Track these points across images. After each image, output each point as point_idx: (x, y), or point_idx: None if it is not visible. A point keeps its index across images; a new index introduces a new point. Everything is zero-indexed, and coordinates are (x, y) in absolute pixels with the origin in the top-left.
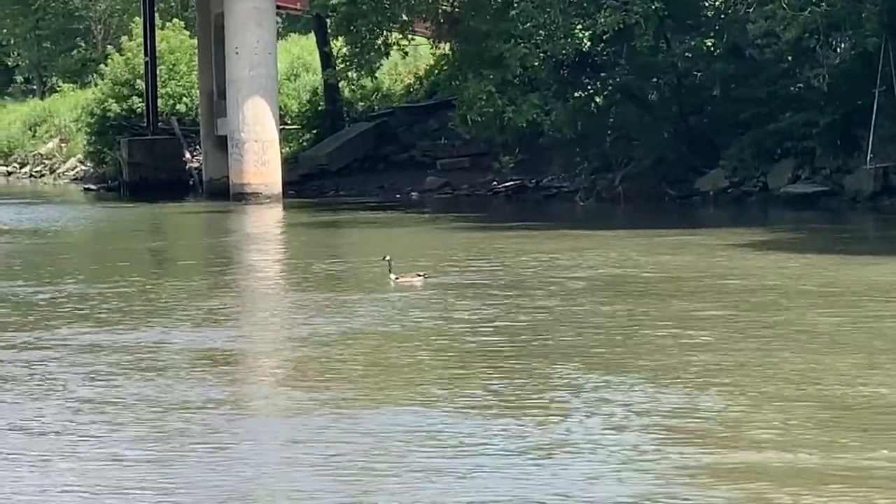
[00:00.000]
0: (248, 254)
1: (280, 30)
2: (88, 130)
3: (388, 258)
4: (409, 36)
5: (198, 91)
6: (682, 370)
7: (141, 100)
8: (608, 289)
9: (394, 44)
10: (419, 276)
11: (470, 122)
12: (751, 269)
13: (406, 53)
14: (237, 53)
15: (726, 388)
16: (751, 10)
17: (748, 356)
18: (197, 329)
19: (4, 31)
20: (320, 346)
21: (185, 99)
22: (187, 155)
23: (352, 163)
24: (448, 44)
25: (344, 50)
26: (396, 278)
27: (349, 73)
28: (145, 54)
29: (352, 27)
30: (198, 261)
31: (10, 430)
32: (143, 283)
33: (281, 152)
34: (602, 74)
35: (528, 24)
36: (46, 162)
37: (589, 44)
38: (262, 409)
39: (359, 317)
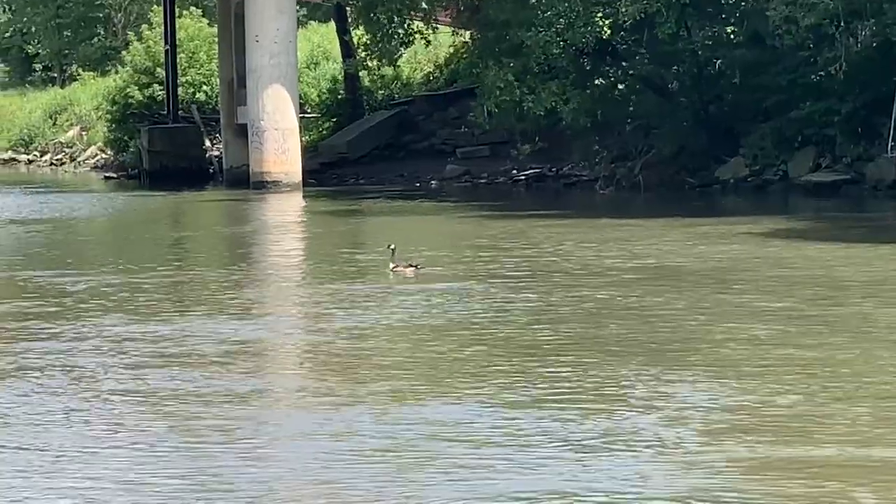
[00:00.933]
0: (273, 244)
1: (300, 18)
2: (109, 118)
3: (391, 247)
4: (431, 24)
5: (218, 79)
6: (745, 364)
7: (161, 88)
8: (657, 279)
9: (415, 32)
10: (411, 266)
11: (489, 111)
12: (794, 259)
13: (428, 42)
14: (257, 41)
15: (793, 382)
16: None
17: (813, 350)
18: (233, 320)
19: (25, 19)
20: (368, 338)
21: (205, 87)
22: (207, 143)
23: (372, 151)
24: (468, 32)
25: (365, 38)
26: (394, 267)
27: (370, 63)
28: (165, 42)
29: (372, 15)
30: (224, 251)
31: (58, 422)
32: (174, 274)
33: (301, 141)
34: (622, 63)
35: (549, 13)
36: (67, 150)
37: (609, 32)
38: (310, 402)
39: (405, 308)
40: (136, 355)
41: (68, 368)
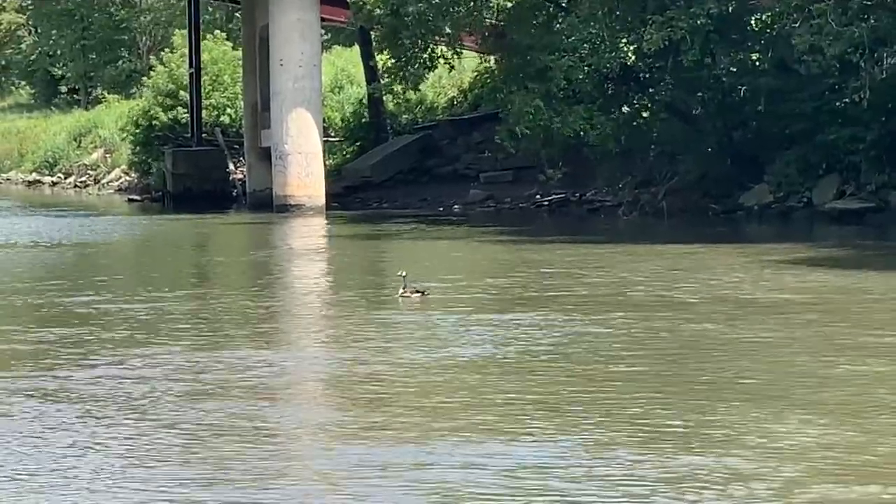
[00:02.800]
0: (302, 270)
1: (324, 42)
2: (133, 141)
3: (402, 273)
4: (456, 49)
5: (242, 102)
6: (858, 405)
7: (185, 111)
8: (730, 309)
9: (439, 56)
10: (418, 292)
11: (518, 136)
12: (872, 289)
13: (452, 67)
14: (282, 65)
15: None
16: (797, 25)
17: None
18: (276, 350)
19: (51, 41)
20: (426, 371)
21: (228, 110)
22: (231, 166)
23: (395, 175)
24: (492, 57)
25: (389, 63)
26: (402, 293)
27: (394, 87)
28: (190, 65)
29: (397, 40)
30: (252, 277)
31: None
32: (204, 302)
33: (324, 164)
34: (647, 89)
35: (573, 38)
36: (91, 172)
37: (634, 58)
38: (373, 436)
39: (476, 340)
40: (194, 385)
41: (133, 398)
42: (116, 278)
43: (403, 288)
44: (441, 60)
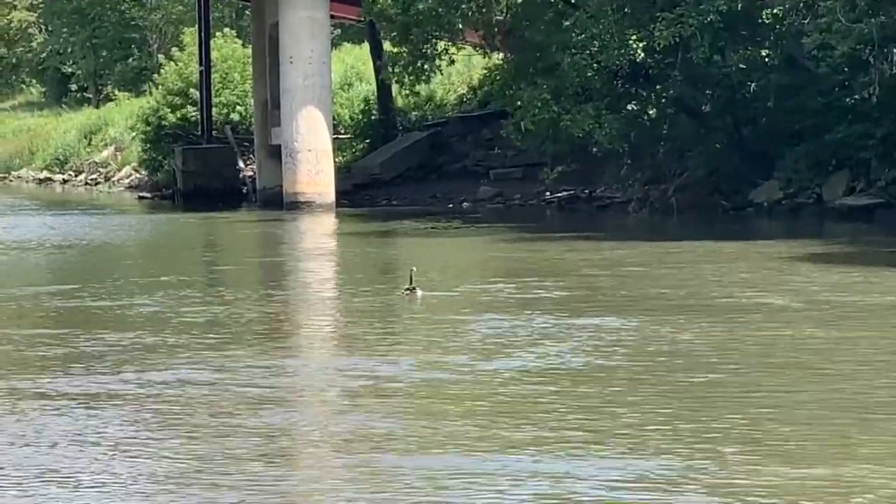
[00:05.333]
0: (317, 270)
1: (334, 39)
2: (143, 139)
3: (412, 269)
4: (463, 46)
5: (252, 100)
6: None
7: (195, 109)
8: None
9: (448, 53)
10: (409, 290)
11: (524, 130)
12: None
13: (453, 61)
14: (291, 63)
15: None
16: (806, 22)
17: None
18: (315, 355)
19: (61, 39)
20: (511, 380)
21: (238, 108)
22: (241, 164)
23: (405, 172)
24: (501, 54)
25: (399, 58)
26: (406, 290)
27: (404, 79)
28: (200, 63)
29: (407, 36)
30: (271, 278)
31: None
32: (221, 304)
33: (334, 161)
34: (656, 86)
35: (583, 35)
36: (101, 170)
37: (643, 55)
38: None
39: (555, 346)
40: (245, 391)
41: (191, 405)
42: (143, 279)
43: (406, 286)
44: (450, 57)
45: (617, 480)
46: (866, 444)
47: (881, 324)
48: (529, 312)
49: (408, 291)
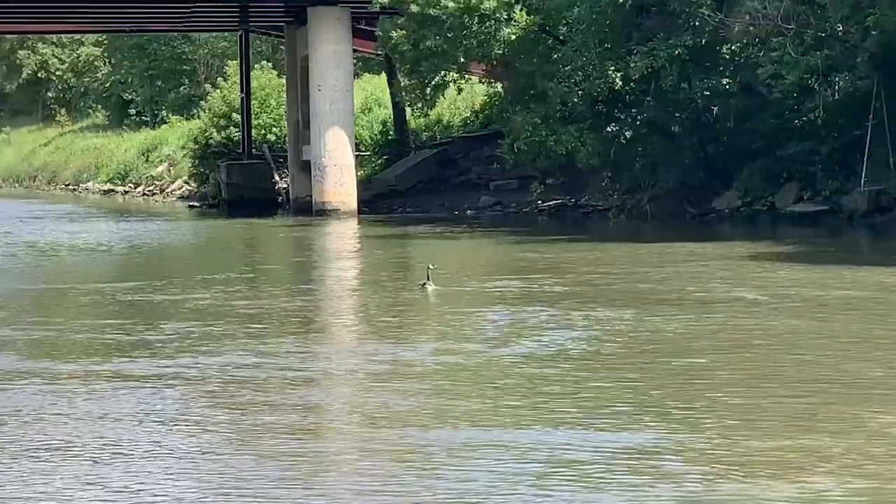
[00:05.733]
0: (347, 267)
1: (356, 70)
2: (192, 156)
3: (431, 266)
4: (466, 76)
5: (285, 122)
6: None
7: (237, 130)
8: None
9: (451, 81)
10: (424, 284)
11: (516, 150)
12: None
13: (460, 90)
14: (319, 90)
15: None
16: (760, 55)
17: None
18: (375, 343)
19: (123, 71)
20: (537, 362)
21: (274, 129)
22: (276, 177)
23: (417, 184)
24: (499, 82)
25: (411, 84)
26: (421, 284)
27: (415, 106)
28: (241, 91)
29: (417, 68)
30: (307, 274)
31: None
32: (282, 298)
33: (356, 175)
34: (632, 110)
35: (569, 66)
36: (156, 183)
37: (620, 83)
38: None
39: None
40: (308, 373)
41: (268, 385)
42: (196, 277)
43: (428, 280)
44: (454, 85)
45: (609, 450)
46: (828, 419)
47: (841, 314)
48: (533, 305)
49: (422, 285)
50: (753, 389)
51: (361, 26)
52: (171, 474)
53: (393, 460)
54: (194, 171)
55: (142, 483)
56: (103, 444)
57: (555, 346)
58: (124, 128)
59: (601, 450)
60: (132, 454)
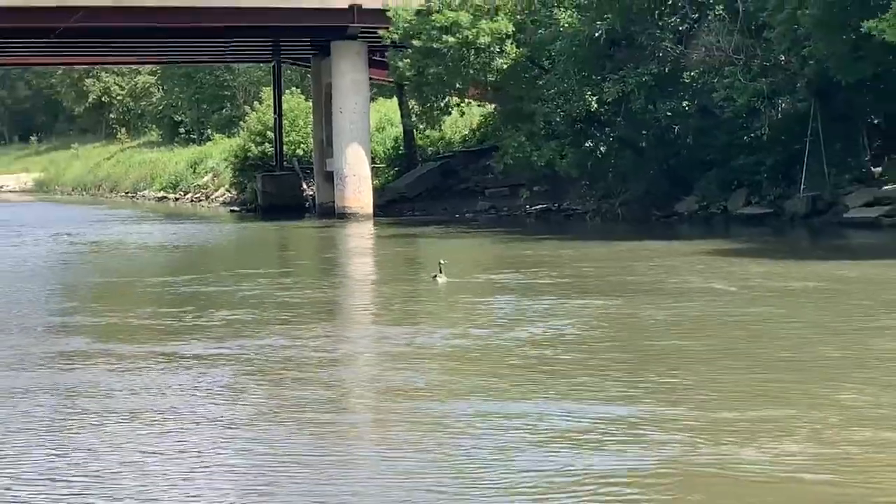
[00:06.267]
0: (366, 262)
1: (372, 95)
2: (233, 168)
3: (442, 261)
4: (467, 100)
5: (312, 139)
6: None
7: (271, 145)
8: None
9: (455, 106)
10: (435, 276)
11: (505, 164)
12: (822, 276)
13: (463, 113)
14: (341, 112)
15: None
16: (715, 81)
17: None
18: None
19: (173, 96)
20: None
21: (302, 145)
22: (304, 185)
23: (423, 191)
24: (492, 104)
25: (416, 109)
26: (433, 276)
27: (420, 125)
28: (274, 112)
29: (422, 93)
30: (332, 268)
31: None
32: (310, 288)
33: (372, 184)
34: (606, 129)
35: (552, 91)
36: (203, 190)
37: (596, 105)
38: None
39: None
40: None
41: (335, 365)
42: (237, 270)
43: (440, 273)
44: (454, 107)
45: (601, 420)
46: (791, 393)
47: (803, 303)
48: (532, 295)
49: (433, 277)
50: (726, 367)
51: (376, 58)
52: (216, 439)
53: (412, 429)
54: (234, 181)
55: (191, 445)
56: (161, 413)
57: (553, 330)
58: (175, 144)
59: (594, 420)
60: (184, 420)
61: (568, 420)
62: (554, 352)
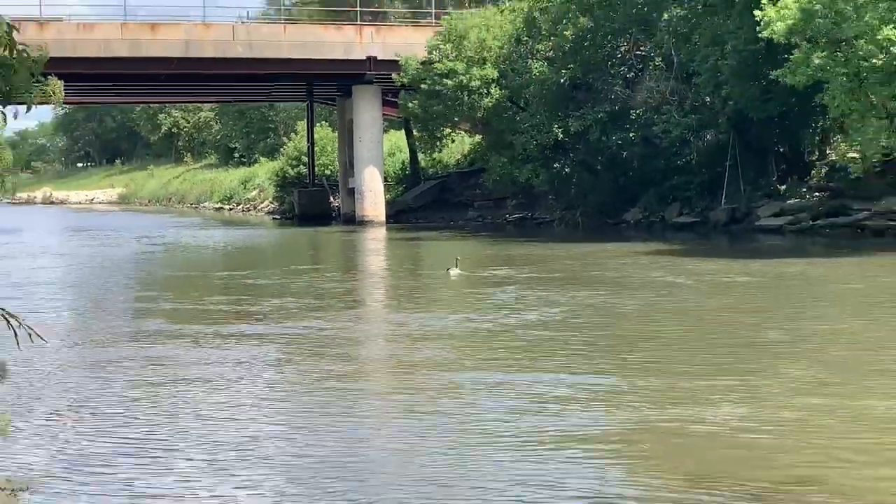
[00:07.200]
0: (382, 259)
1: (385, 127)
2: (275, 184)
3: (458, 258)
4: (460, 131)
5: (337, 162)
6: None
7: (305, 167)
8: (720, 290)
9: (449, 135)
10: (449, 269)
11: (491, 183)
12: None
13: (453, 140)
14: (360, 141)
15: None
16: (655, 117)
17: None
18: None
19: (228, 128)
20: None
21: (329, 167)
22: (332, 199)
23: (425, 204)
24: (481, 135)
25: (421, 137)
26: (448, 269)
27: (423, 151)
28: (307, 141)
29: (425, 126)
30: (354, 264)
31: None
32: (335, 281)
33: (384, 197)
34: (570, 154)
35: (527, 125)
36: (251, 202)
37: (562, 136)
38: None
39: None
40: (379, 334)
41: (370, 348)
42: (280, 267)
43: (455, 266)
44: (450, 142)
45: (586, 389)
46: (741, 367)
47: (749, 293)
48: (525, 286)
49: (448, 270)
50: (688, 346)
51: (388, 98)
52: (260, 403)
53: (428, 397)
54: (276, 195)
55: (241, 406)
56: (217, 381)
57: (547, 315)
58: (229, 166)
59: (581, 389)
60: (237, 387)
61: (559, 388)
62: (547, 333)
